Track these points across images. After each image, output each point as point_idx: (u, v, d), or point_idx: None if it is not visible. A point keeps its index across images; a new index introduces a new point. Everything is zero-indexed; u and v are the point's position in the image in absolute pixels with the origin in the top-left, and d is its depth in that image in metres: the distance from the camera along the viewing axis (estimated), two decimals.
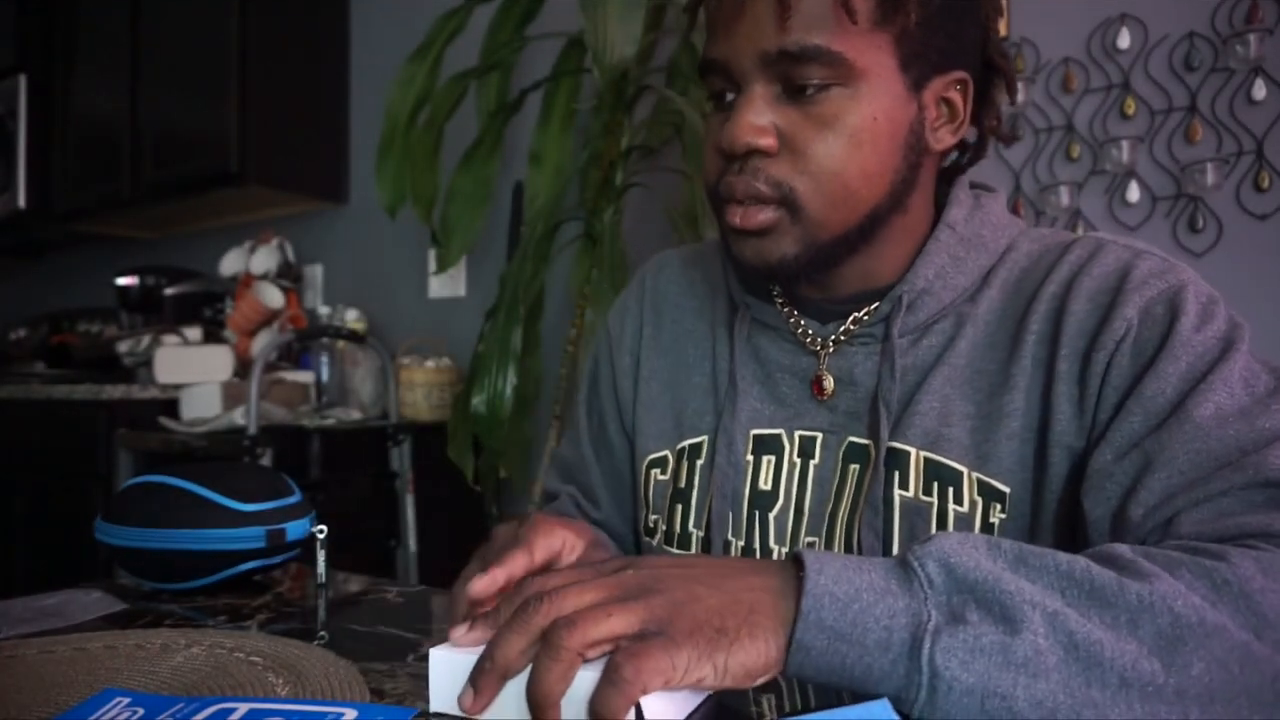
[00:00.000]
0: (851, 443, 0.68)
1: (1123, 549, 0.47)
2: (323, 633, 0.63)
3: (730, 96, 0.64)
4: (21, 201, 2.99)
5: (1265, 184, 1.39)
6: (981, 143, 0.74)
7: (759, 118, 0.61)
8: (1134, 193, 1.49)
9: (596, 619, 0.41)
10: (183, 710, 0.43)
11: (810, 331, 0.70)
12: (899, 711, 0.42)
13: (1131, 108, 1.49)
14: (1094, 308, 0.61)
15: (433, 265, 2.26)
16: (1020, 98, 1.56)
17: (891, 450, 0.65)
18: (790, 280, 0.67)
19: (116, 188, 2.75)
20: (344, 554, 0.76)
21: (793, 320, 0.71)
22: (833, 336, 0.69)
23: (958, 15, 0.64)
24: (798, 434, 0.70)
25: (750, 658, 0.42)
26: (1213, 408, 0.54)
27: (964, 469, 0.63)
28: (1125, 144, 1.48)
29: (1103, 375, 0.59)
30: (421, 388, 2.15)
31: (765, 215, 0.63)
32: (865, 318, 0.68)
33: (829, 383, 0.69)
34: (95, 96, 2.86)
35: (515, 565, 0.52)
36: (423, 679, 0.50)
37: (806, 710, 0.42)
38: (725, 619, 0.42)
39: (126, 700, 0.45)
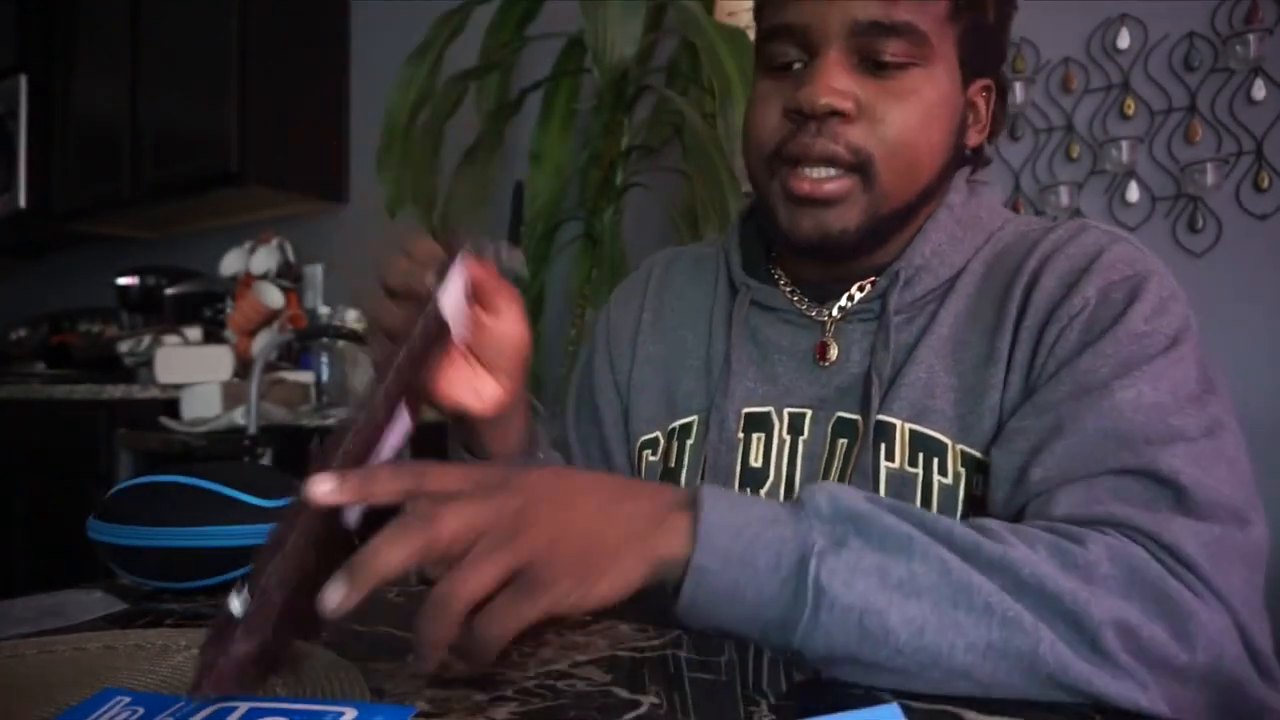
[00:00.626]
0: (840, 418, 0.68)
1: (992, 522, 0.50)
2: (325, 633, 0.63)
3: (798, 66, 0.65)
4: (21, 201, 2.99)
5: (1265, 184, 1.39)
6: (979, 155, 0.78)
7: (839, 82, 0.62)
8: (1134, 193, 1.49)
9: (469, 578, 0.42)
10: (182, 710, 0.43)
11: (813, 308, 0.72)
12: (781, 644, 0.46)
13: (1131, 108, 1.49)
14: (1060, 284, 0.62)
15: None
16: (1020, 98, 1.56)
17: (879, 423, 0.66)
18: (838, 254, 0.68)
19: (116, 188, 2.75)
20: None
21: (797, 299, 0.73)
22: (833, 311, 0.71)
23: (1000, 27, 0.69)
24: (787, 411, 0.70)
25: (623, 583, 0.44)
26: (1134, 394, 0.56)
27: (948, 441, 0.64)
28: (1125, 144, 1.48)
29: (1050, 346, 0.61)
30: None
31: (837, 184, 0.64)
32: (864, 291, 0.70)
33: (833, 350, 0.70)
34: (95, 96, 2.86)
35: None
36: (423, 679, 0.50)
37: (810, 713, 0.42)
38: (599, 548, 0.44)
39: (126, 700, 0.45)
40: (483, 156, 1.85)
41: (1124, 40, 1.49)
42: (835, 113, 0.62)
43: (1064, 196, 1.53)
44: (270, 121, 2.46)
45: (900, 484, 0.64)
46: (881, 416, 0.66)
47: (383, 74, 2.38)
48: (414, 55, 1.80)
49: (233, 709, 0.43)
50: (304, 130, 2.55)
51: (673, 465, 0.74)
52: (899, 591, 0.45)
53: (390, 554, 0.42)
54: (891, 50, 0.62)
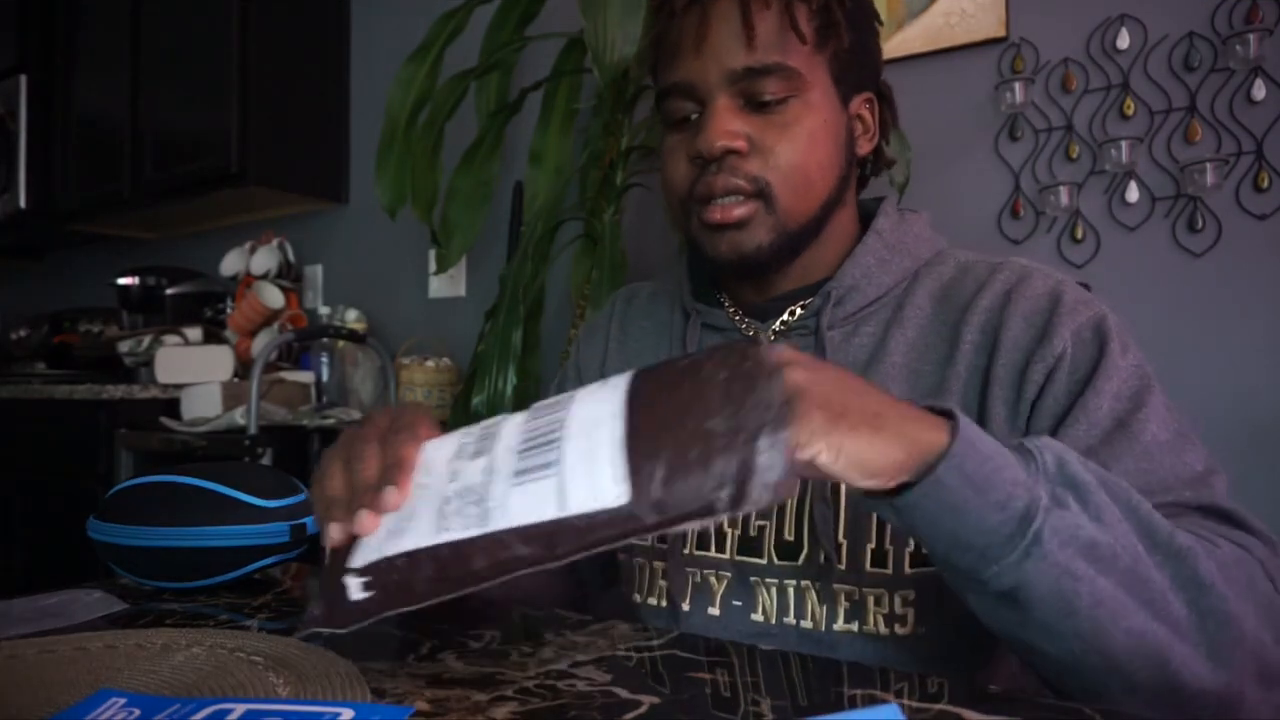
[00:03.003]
0: None
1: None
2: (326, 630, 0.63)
3: (694, 116, 0.73)
4: (22, 201, 2.99)
5: (1265, 184, 1.39)
6: (879, 158, 0.83)
7: (730, 124, 0.71)
8: (1133, 193, 1.49)
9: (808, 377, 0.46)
10: (179, 711, 0.43)
11: (754, 328, 0.78)
12: (970, 566, 0.49)
13: (1131, 108, 1.49)
14: (1029, 326, 0.69)
15: (433, 265, 2.26)
16: (1020, 98, 1.56)
17: None
18: (758, 270, 0.75)
19: (116, 188, 2.75)
20: None
21: (738, 319, 0.79)
22: (772, 329, 0.77)
23: (866, 45, 0.76)
24: None
25: (882, 455, 0.47)
26: (1150, 436, 0.63)
27: None
28: (1125, 144, 1.48)
29: (1040, 386, 0.67)
30: (421, 388, 2.16)
31: (743, 209, 0.71)
32: (800, 311, 0.77)
33: None
34: (95, 96, 2.86)
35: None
36: (423, 679, 0.50)
37: (811, 713, 0.42)
38: (884, 412, 0.48)
39: (123, 701, 0.45)
40: (483, 156, 1.85)
41: (1124, 40, 1.49)
42: (731, 151, 0.71)
43: (1064, 196, 1.53)
44: (270, 121, 2.46)
45: (858, 503, 0.68)
46: None
47: (383, 74, 2.38)
48: (414, 55, 1.80)
49: (230, 710, 0.43)
50: (304, 130, 2.55)
51: None
52: (1096, 566, 0.49)
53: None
54: (769, 89, 0.70)
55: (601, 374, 0.87)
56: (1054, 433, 0.65)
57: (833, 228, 0.77)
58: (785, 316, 0.77)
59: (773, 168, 0.71)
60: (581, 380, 0.90)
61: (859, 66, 0.76)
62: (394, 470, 0.49)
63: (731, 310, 0.80)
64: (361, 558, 0.47)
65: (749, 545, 0.73)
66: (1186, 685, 0.51)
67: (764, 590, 0.72)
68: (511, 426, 0.48)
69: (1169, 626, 0.51)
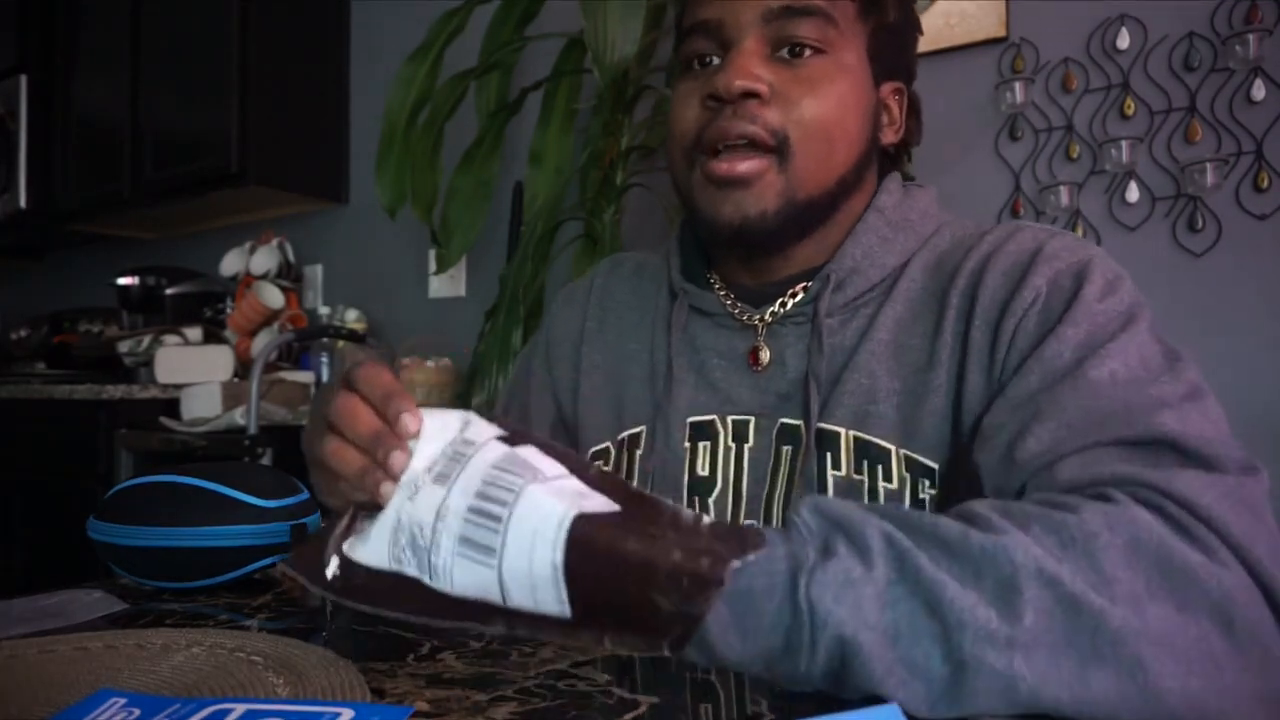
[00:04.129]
0: (784, 424, 0.68)
1: (981, 506, 0.47)
2: (331, 623, 0.63)
3: (714, 61, 0.67)
4: (22, 201, 2.99)
5: (1265, 184, 1.39)
6: (899, 160, 0.78)
7: (754, 67, 0.64)
8: (1133, 193, 1.49)
9: None
10: (179, 711, 0.43)
11: (746, 313, 0.72)
12: (792, 671, 0.43)
13: (1131, 108, 1.49)
14: (1006, 280, 0.62)
15: (433, 265, 2.26)
16: (1020, 98, 1.56)
17: (822, 431, 0.66)
18: (758, 244, 0.68)
19: (116, 188, 2.75)
20: None
21: (729, 303, 0.73)
22: (767, 314, 0.71)
23: (906, 34, 0.73)
24: (730, 419, 0.70)
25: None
26: (1107, 373, 0.54)
27: (891, 446, 0.64)
28: (1125, 144, 1.48)
29: (1010, 340, 0.60)
30: (421, 388, 2.15)
31: (754, 163, 0.65)
32: (797, 297, 0.70)
33: (764, 354, 0.70)
34: (95, 96, 2.86)
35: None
36: (422, 679, 0.50)
37: (811, 713, 0.42)
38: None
39: (123, 701, 0.44)
40: (483, 156, 1.85)
41: (1124, 40, 1.49)
42: (750, 94, 0.64)
43: (1064, 196, 1.53)
44: (270, 121, 2.46)
45: (847, 491, 0.64)
46: (824, 425, 0.66)
47: (383, 74, 2.38)
48: (414, 55, 1.80)
49: (229, 710, 0.43)
50: (304, 130, 2.55)
51: (624, 478, 0.73)
52: (878, 603, 0.42)
53: None
54: (805, 32, 0.65)
55: (578, 356, 0.81)
56: (1010, 383, 0.58)
57: (844, 215, 0.70)
58: (776, 306, 0.71)
59: (795, 121, 0.65)
60: (550, 361, 0.83)
61: (897, 51, 0.71)
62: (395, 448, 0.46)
63: (723, 294, 0.74)
64: (340, 546, 0.46)
65: None
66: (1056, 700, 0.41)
67: None
68: (480, 461, 0.45)
69: (984, 643, 0.41)
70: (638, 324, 0.80)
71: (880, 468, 0.64)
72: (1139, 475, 0.48)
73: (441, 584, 0.44)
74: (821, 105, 0.65)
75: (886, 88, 0.72)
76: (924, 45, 1.71)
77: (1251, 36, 1.38)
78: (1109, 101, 1.51)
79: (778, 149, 0.65)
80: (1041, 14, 1.56)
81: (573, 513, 0.43)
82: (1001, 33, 1.58)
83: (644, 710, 0.45)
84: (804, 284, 0.71)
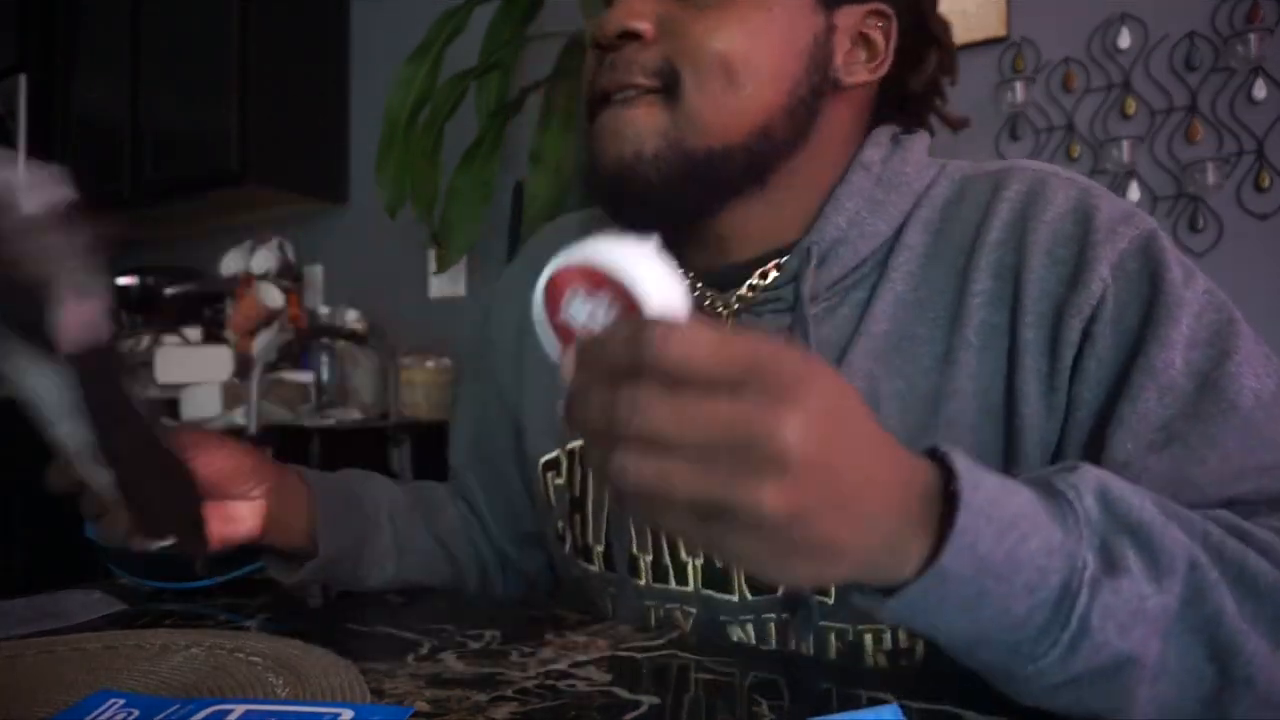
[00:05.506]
0: None
1: (1250, 527, 0.41)
2: (321, 602, 0.64)
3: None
4: None
5: (1265, 184, 1.39)
6: (920, 115, 0.66)
7: (636, 5, 0.55)
8: (1134, 192, 1.49)
9: (687, 484, 0.31)
10: (179, 711, 0.43)
11: (709, 297, 0.61)
12: (1015, 660, 0.37)
13: (1132, 108, 1.49)
14: (1054, 262, 0.52)
15: (433, 265, 2.26)
16: (1021, 97, 1.56)
17: None
18: (651, 206, 0.56)
19: (116, 187, 2.75)
20: None
21: (690, 286, 0.61)
22: (733, 299, 0.60)
23: None
24: None
25: (839, 573, 0.34)
26: (1251, 395, 0.47)
27: None
28: (1125, 144, 1.48)
29: (1079, 345, 0.51)
30: (421, 388, 2.15)
31: (636, 106, 0.55)
32: (768, 278, 0.59)
33: None
34: (95, 96, 2.86)
35: None
36: (422, 679, 0.49)
37: (811, 713, 0.42)
38: (827, 532, 0.32)
39: (122, 701, 0.44)
40: (483, 156, 1.85)
41: (1124, 40, 1.49)
42: (629, 33, 0.55)
43: None
44: (270, 121, 2.46)
45: None
46: None
47: (383, 74, 2.38)
48: (414, 55, 1.80)
49: (229, 711, 0.43)
50: (304, 130, 2.55)
51: (578, 495, 0.66)
52: (1171, 639, 0.37)
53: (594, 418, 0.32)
54: None
55: (519, 351, 0.72)
56: (1110, 410, 0.49)
57: (799, 175, 0.58)
58: (753, 281, 0.59)
59: (683, 53, 0.54)
60: (495, 368, 0.75)
61: None
62: None
63: (683, 273, 0.62)
64: None
65: (715, 579, 0.59)
66: None
67: (738, 629, 0.59)
68: None
69: (1254, 693, 0.38)
70: None
71: None
72: None
73: None
74: (718, 32, 0.54)
75: (855, 12, 0.58)
76: None
77: (1252, 36, 1.38)
78: (1110, 101, 1.51)
79: (664, 89, 0.54)
80: (1042, 13, 1.56)
81: None
82: (1002, 32, 1.58)
83: (644, 710, 0.45)
84: (775, 261, 0.59)
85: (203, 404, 2.14)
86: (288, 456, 0.69)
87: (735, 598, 0.59)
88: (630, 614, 0.64)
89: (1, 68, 3.04)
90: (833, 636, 0.56)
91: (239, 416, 1.99)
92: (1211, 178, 1.41)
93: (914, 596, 0.35)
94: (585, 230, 0.69)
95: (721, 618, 0.60)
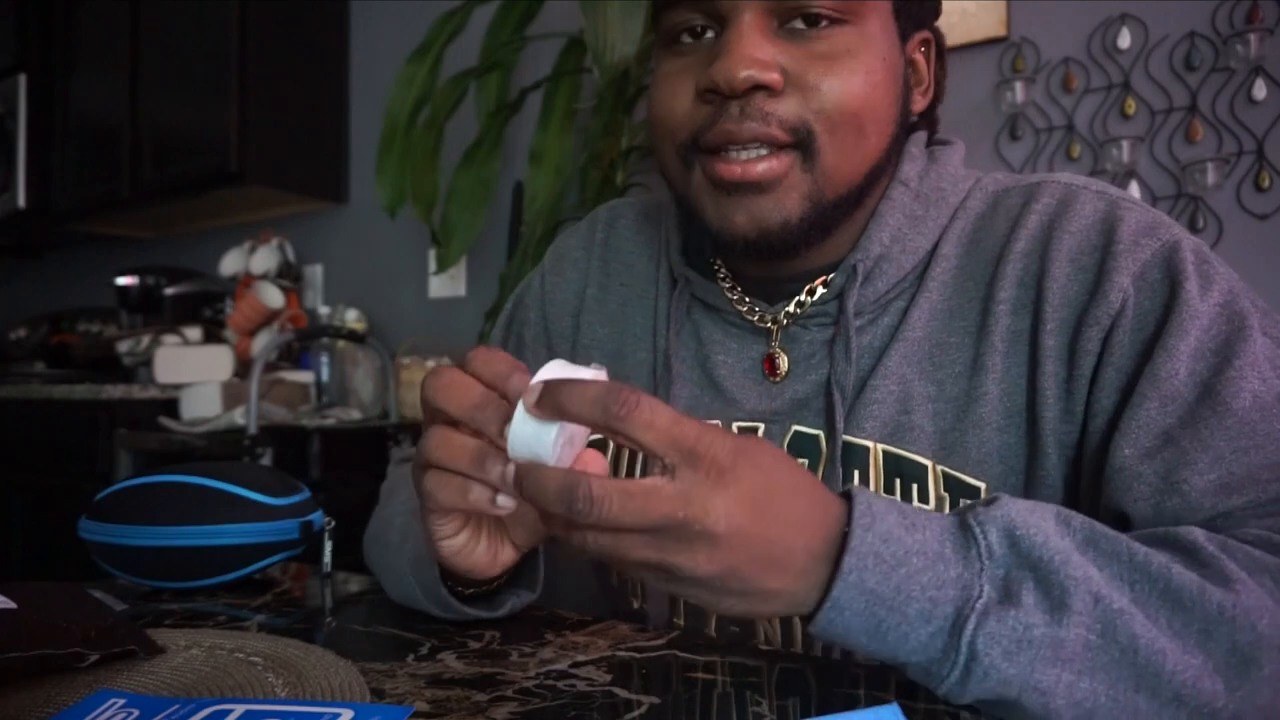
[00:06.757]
0: (798, 433, 0.60)
1: (1199, 537, 0.42)
2: (330, 619, 0.63)
3: (709, 36, 0.56)
4: (21, 201, 2.99)
5: (1266, 184, 1.39)
6: (932, 122, 0.67)
7: (760, 50, 0.53)
8: (1134, 192, 1.49)
9: (623, 552, 0.38)
10: (179, 712, 0.43)
11: (758, 310, 0.62)
12: (921, 681, 0.42)
13: (1132, 108, 1.49)
14: (1077, 270, 0.53)
15: (433, 265, 2.26)
16: (1020, 98, 1.56)
17: (847, 445, 0.57)
18: (780, 251, 0.57)
19: (116, 188, 2.75)
20: (344, 554, 0.76)
21: (736, 299, 0.63)
22: (783, 314, 0.61)
23: None
24: (735, 426, 0.62)
25: (772, 608, 0.41)
26: (1249, 397, 0.47)
27: (928, 462, 0.56)
28: (1125, 144, 1.48)
29: (1098, 354, 0.52)
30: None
31: (773, 163, 0.54)
32: (816, 294, 0.60)
33: (782, 362, 0.61)
34: (95, 96, 2.86)
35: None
36: (422, 679, 0.49)
37: (811, 713, 0.42)
38: (754, 581, 0.40)
39: (122, 701, 0.44)
40: (483, 156, 1.85)
41: (1124, 40, 1.49)
42: (760, 87, 0.53)
43: None
44: (270, 121, 2.46)
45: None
46: (850, 437, 0.57)
47: (383, 74, 2.38)
48: (414, 55, 1.80)
49: (229, 711, 0.43)
50: (304, 130, 2.55)
51: (620, 475, 0.67)
52: (1069, 668, 0.38)
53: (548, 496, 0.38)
54: (820, 2, 0.53)
55: (576, 327, 0.71)
56: (1119, 413, 0.50)
57: (870, 198, 0.60)
58: (799, 301, 0.61)
59: (817, 110, 0.53)
60: (549, 327, 0.73)
61: None
62: None
63: (729, 286, 0.64)
64: None
65: None
66: None
67: (765, 623, 0.62)
68: None
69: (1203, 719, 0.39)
70: (642, 289, 0.69)
71: (915, 486, 0.56)
72: None
73: None
74: (848, 88, 0.53)
75: (914, 41, 0.60)
76: None
77: (1252, 36, 1.38)
78: (1110, 101, 1.51)
79: (799, 145, 0.54)
80: (1042, 13, 1.56)
81: None
82: (1002, 32, 1.58)
83: (644, 710, 0.45)
84: (824, 277, 0.61)
85: (202, 404, 2.14)
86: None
87: None
88: (658, 602, 0.65)
89: (1, 68, 3.05)
90: None
91: (239, 416, 1.99)
92: (1211, 178, 1.41)
93: (822, 624, 0.40)
94: (642, 223, 0.71)
95: None
